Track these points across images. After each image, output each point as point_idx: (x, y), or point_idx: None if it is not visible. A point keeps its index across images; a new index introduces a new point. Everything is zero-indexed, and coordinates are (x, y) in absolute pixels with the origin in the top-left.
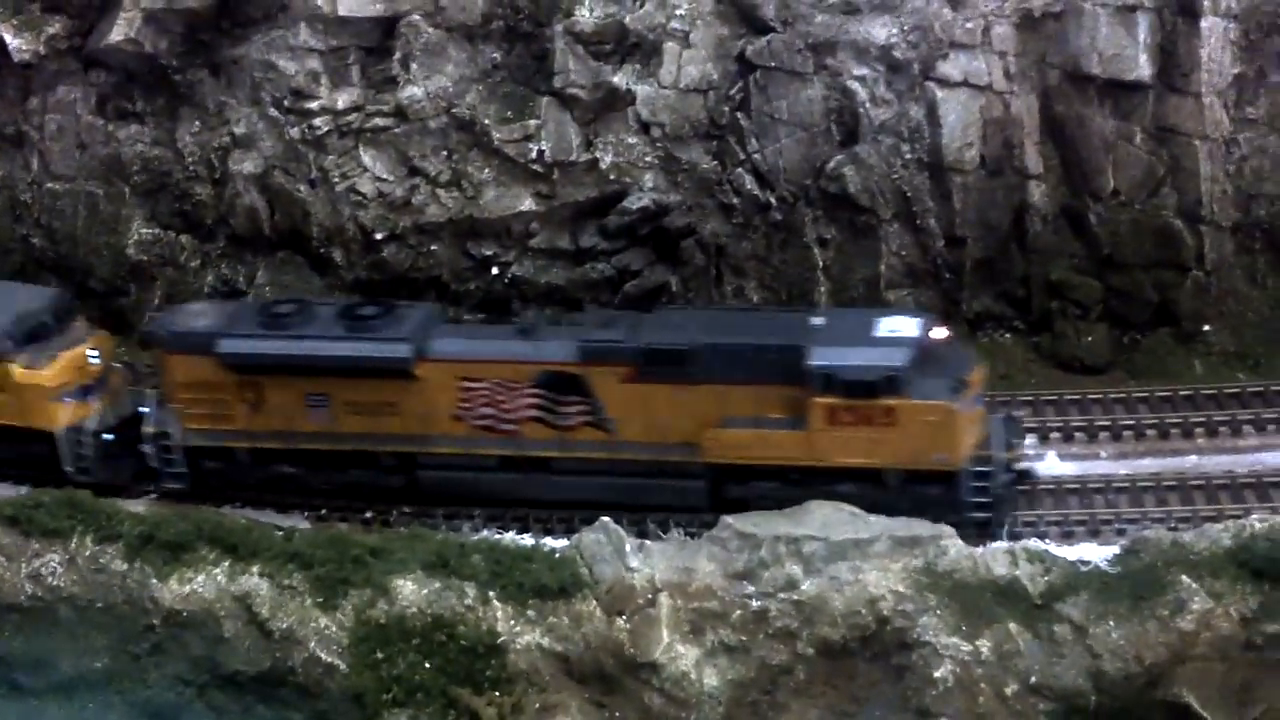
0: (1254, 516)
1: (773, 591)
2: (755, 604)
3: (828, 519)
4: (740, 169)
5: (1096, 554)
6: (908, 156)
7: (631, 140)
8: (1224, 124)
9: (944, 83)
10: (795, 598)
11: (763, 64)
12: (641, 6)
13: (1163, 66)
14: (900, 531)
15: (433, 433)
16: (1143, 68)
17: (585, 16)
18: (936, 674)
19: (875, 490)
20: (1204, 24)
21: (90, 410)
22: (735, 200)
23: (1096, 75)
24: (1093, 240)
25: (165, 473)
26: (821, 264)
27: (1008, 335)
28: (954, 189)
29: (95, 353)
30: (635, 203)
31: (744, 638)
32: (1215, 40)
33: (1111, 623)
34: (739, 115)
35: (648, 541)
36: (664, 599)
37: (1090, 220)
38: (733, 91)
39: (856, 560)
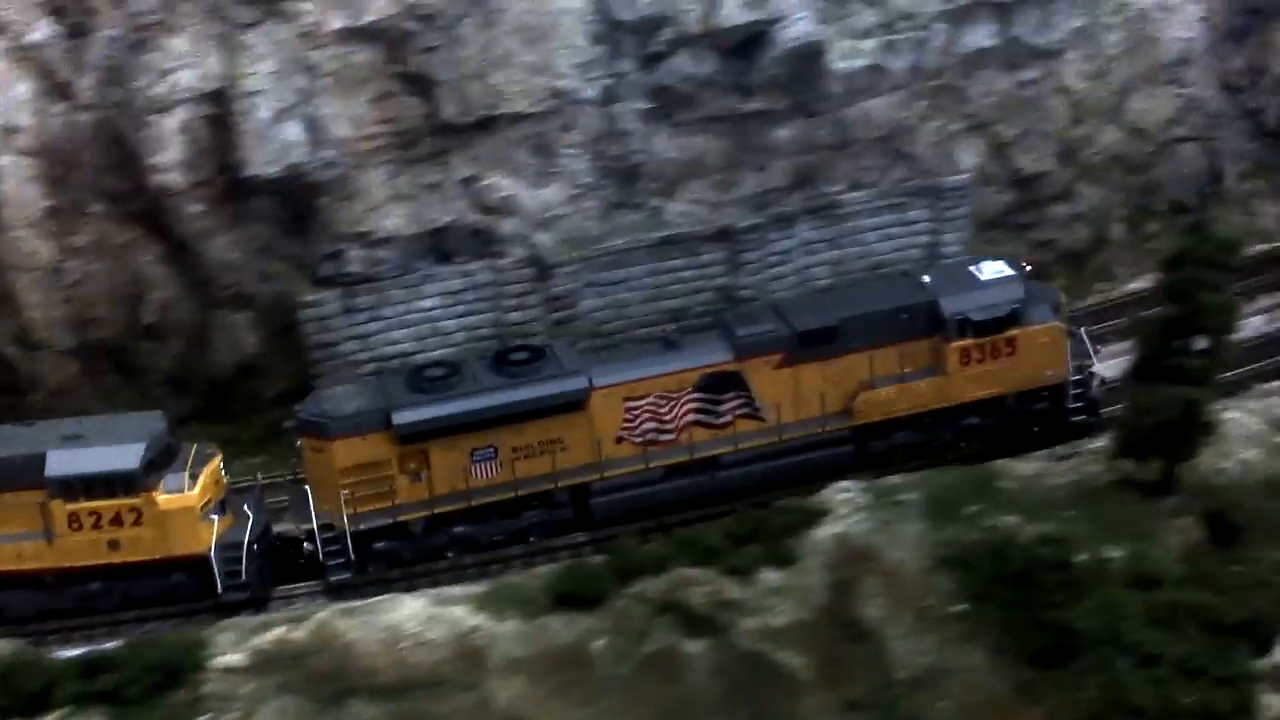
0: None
1: None
2: None
3: None
4: None
5: None
6: None
7: None
8: (44, 254)
9: None
10: None
11: None
12: None
13: None
14: None
15: (602, 459)
16: None
17: None
18: None
19: (997, 418)
20: (1, 161)
21: (228, 524)
22: None
23: None
24: None
25: (332, 565)
26: None
27: None
28: None
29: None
30: None
31: None
32: (15, 176)
33: None
34: None
35: None
36: None
37: None
38: None
39: None
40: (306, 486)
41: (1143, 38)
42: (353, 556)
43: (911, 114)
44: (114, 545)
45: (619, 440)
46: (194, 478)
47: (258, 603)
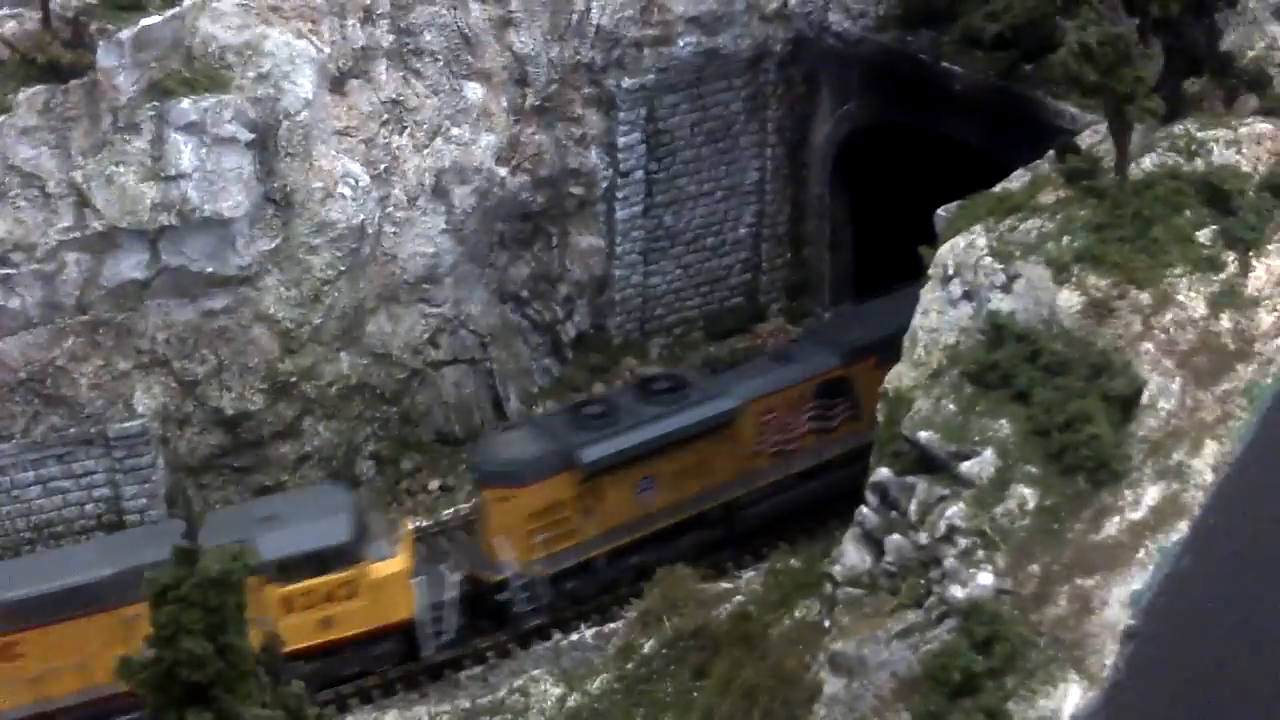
0: None
1: None
2: None
3: None
4: None
5: None
6: None
7: None
8: None
9: None
10: None
11: None
12: None
13: None
14: None
15: (744, 472)
16: None
17: None
18: None
19: None
20: None
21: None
22: None
23: None
24: None
25: (526, 612)
26: None
27: None
28: None
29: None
30: None
31: None
32: None
33: None
34: None
35: None
36: None
37: None
38: None
39: None
40: (496, 537)
41: (366, 256)
42: (546, 601)
43: (61, 354)
44: (326, 623)
45: (755, 454)
46: (396, 543)
47: (458, 661)
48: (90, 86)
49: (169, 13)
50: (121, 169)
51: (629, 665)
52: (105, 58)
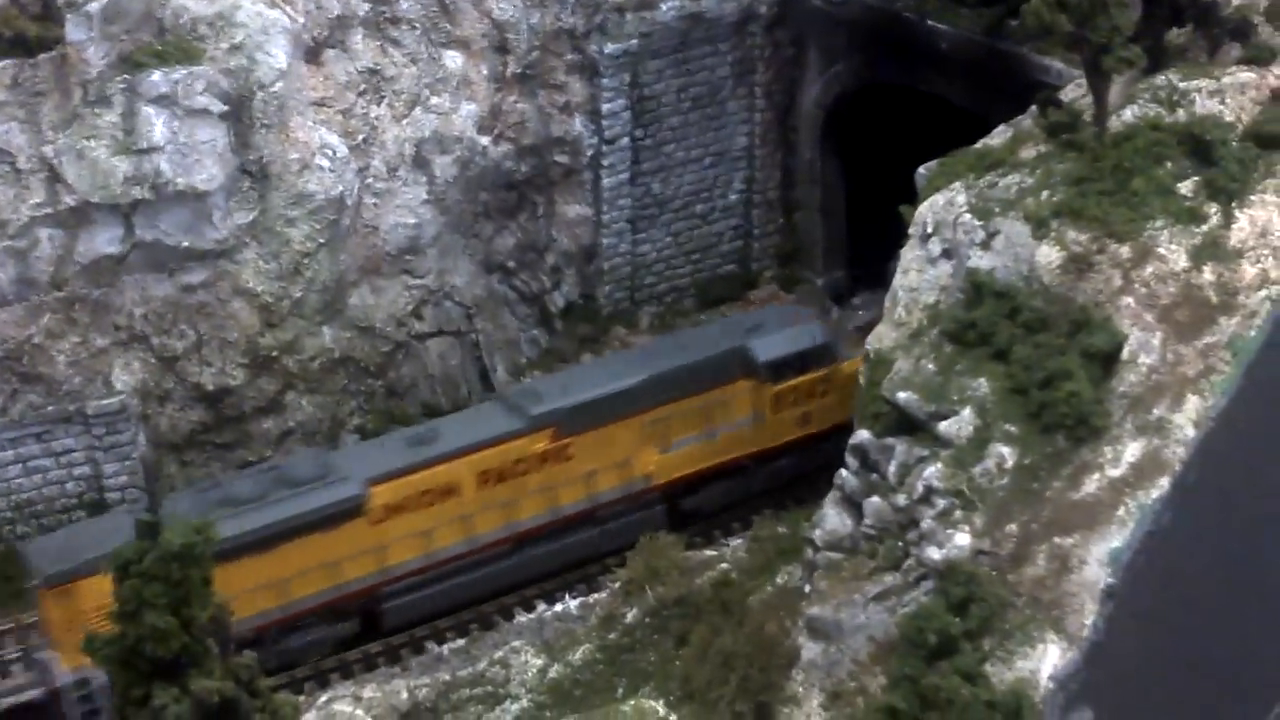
0: None
1: None
2: None
3: None
4: None
5: None
6: None
7: None
8: None
9: None
10: None
11: None
12: None
13: None
14: None
15: None
16: None
17: None
18: None
19: None
20: None
21: None
22: None
23: None
24: None
25: None
26: None
27: None
28: None
29: None
30: None
31: None
32: None
33: None
34: None
35: None
36: None
37: None
38: None
39: None
40: None
41: (346, 228)
42: None
43: (37, 331)
44: (805, 419)
45: None
46: (853, 344)
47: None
48: (59, 60)
49: None
50: (92, 143)
51: (611, 635)
52: (74, 31)
